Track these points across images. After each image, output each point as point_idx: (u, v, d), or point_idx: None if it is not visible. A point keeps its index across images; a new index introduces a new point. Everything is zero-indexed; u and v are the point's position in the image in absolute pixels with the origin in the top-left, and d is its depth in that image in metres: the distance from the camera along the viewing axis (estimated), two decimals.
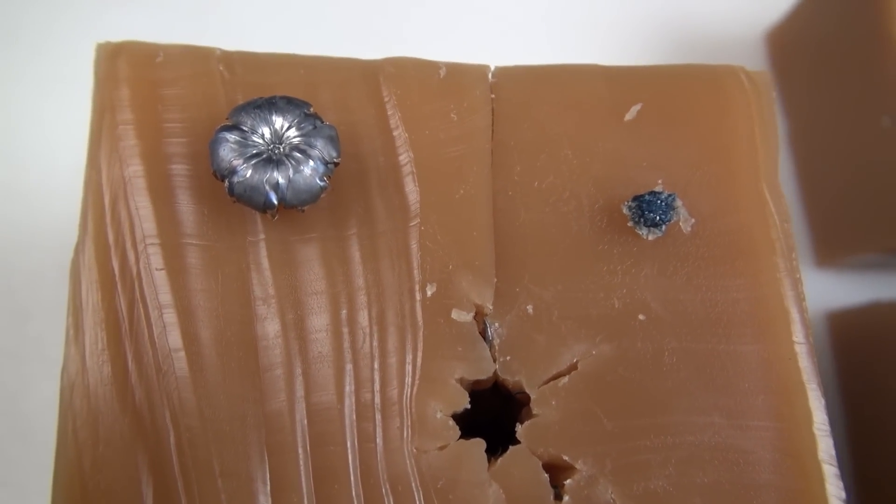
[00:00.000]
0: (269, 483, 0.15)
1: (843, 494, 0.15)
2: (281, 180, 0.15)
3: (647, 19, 0.37)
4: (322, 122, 0.16)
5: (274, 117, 0.16)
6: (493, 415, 0.18)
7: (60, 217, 0.34)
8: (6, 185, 0.33)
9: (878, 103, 0.30)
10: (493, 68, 0.19)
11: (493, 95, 0.18)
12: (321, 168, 0.16)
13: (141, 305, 0.16)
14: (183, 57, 0.18)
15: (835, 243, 0.34)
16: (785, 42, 0.37)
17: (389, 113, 0.18)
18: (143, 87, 0.17)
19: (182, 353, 0.16)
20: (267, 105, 0.16)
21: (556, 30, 0.36)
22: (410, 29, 0.33)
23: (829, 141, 0.34)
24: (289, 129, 0.16)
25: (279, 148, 0.16)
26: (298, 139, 0.16)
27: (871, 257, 0.33)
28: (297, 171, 0.16)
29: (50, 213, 0.34)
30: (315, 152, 0.16)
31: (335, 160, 0.16)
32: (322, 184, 0.16)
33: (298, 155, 0.16)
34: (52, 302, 0.33)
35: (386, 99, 0.18)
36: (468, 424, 0.17)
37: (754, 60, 0.39)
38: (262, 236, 0.17)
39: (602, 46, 0.36)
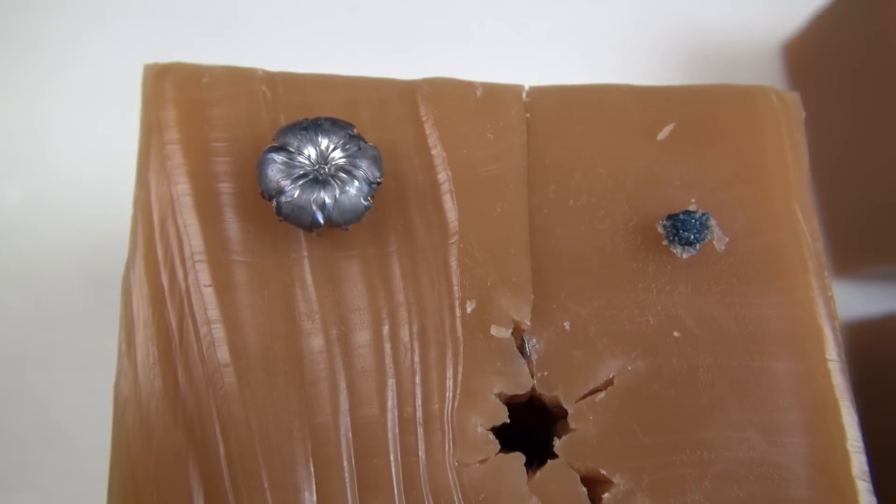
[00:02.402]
0: (315, 494, 0.15)
1: None
2: (327, 200, 0.16)
3: (664, 33, 0.38)
4: (365, 143, 0.17)
5: (319, 138, 0.16)
6: (526, 425, 0.18)
7: (86, 226, 0.34)
8: (34, 195, 0.34)
9: None
10: (527, 88, 0.19)
11: (528, 115, 0.19)
12: (365, 188, 0.16)
13: (190, 321, 0.16)
14: (227, 78, 0.18)
15: (852, 255, 0.35)
16: (802, 55, 0.37)
17: (427, 132, 0.18)
18: (189, 108, 0.18)
19: (230, 368, 0.16)
20: (312, 126, 0.16)
21: (576, 46, 0.36)
22: (438, 49, 0.34)
23: (846, 153, 0.35)
24: (334, 149, 0.16)
25: (325, 168, 0.16)
26: (343, 160, 0.16)
27: (888, 268, 0.33)
28: (342, 191, 0.16)
29: (75, 222, 0.34)
30: (360, 172, 0.16)
31: (378, 180, 0.16)
32: (367, 203, 0.16)
33: (344, 175, 0.16)
34: (78, 309, 0.33)
35: (424, 118, 0.18)
36: (503, 434, 0.17)
37: (771, 73, 0.39)
38: (305, 253, 0.17)
39: (620, 61, 0.36)
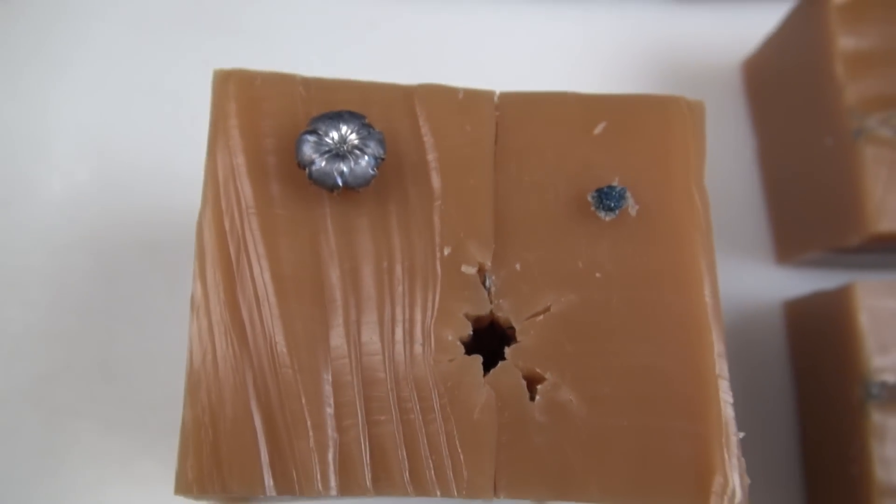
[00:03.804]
0: (331, 376, 0.22)
1: (731, 399, 0.21)
2: (345, 169, 0.22)
3: (636, 50, 0.44)
4: (374, 130, 0.23)
5: (341, 125, 0.23)
6: (490, 350, 0.25)
7: (142, 201, 0.41)
8: (100, 174, 0.40)
9: (823, 126, 0.36)
10: (497, 93, 0.25)
11: (497, 113, 0.25)
12: (373, 162, 0.22)
13: (244, 254, 0.22)
14: (273, 80, 0.24)
15: (791, 242, 0.41)
16: (756, 70, 0.43)
17: (421, 124, 0.24)
18: (246, 102, 0.24)
19: (272, 288, 0.22)
20: (336, 116, 0.23)
21: (551, 60, 0.43)
22: (436, 62, 0.41)
23: (788, 156, 0.40)
24: (351, 133, 0.23)
25: (344, 147, 0.22)
26: (357, 141, 0.23)
27: (818, 254, 0.39)
28: (356, 163, 0.22)
29: (134, 198, 0.41)
30: (369, 150, 0.22)
31: (382, 157, 0.23)
32: (373, 173, 0.22)
33: (357, 152, 0.22)
34: (134, 270, 0.40)
35: (419, 113, 0.24)
36: (470, 348, 0.23)
37: (731, 85, 0.45)
38: (328, 209, 0.23)
39: (592, 74, 0.42)
